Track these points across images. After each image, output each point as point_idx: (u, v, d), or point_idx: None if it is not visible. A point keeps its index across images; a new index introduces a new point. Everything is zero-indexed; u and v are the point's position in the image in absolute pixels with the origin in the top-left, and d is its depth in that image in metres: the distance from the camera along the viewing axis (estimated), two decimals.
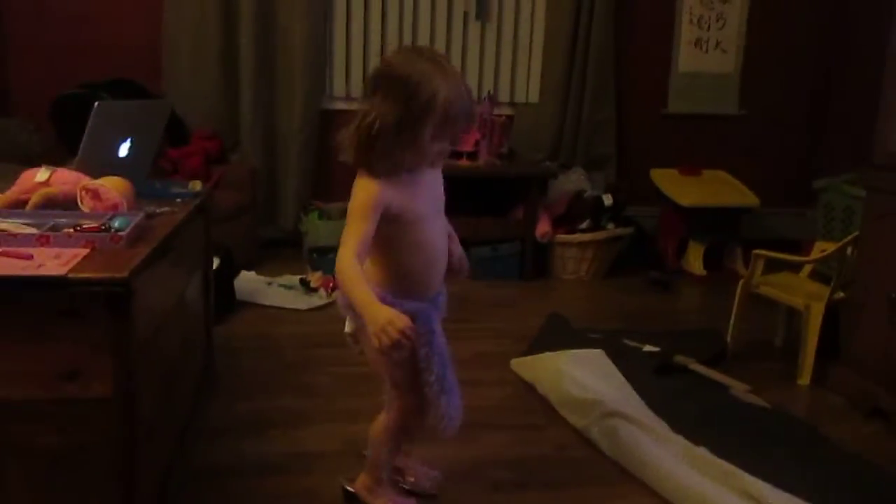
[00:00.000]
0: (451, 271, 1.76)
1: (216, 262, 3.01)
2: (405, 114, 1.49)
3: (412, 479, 1.96)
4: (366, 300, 1.48)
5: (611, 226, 4.12)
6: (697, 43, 4.77)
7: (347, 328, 1.74)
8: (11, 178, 1.89)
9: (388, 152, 1.52)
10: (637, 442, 2.13)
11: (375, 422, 1.83)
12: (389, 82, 1.51)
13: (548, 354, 2.71)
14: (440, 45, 4.41)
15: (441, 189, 1.71)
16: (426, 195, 1.64)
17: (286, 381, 2.59)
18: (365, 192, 1.55)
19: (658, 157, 4.65)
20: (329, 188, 4.37)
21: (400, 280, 1.65)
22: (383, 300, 1.52)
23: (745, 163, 4.75)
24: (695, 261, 4.26)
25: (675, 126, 4.83)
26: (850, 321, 2.69)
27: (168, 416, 1.89)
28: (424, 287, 1.68)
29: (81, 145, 1.93)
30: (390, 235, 1.60)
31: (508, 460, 2.14)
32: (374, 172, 1.55)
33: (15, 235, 1.55)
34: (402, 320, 1.44)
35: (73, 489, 1.50)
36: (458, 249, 1.80)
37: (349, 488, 1.89)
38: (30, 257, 1.46)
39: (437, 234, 1.68)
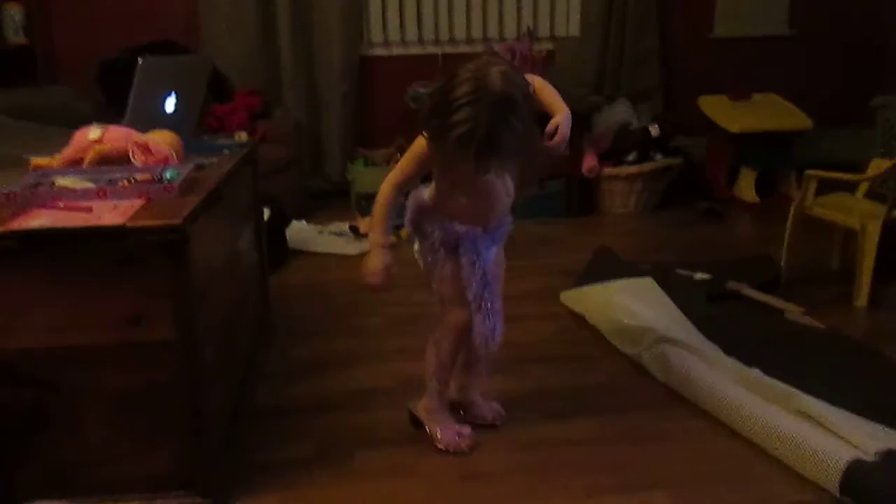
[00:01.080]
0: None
1: (267, 214, 3.08)
2: (437, 121, 1.56)
3: (475, 412, 2.01)
4: (375, 241, 1.76)
5: (659, 157, 4.06)
6: None
7: (416, 246, 1.87)
8: (64, 141, 1.96)
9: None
10: (688, 365, 2.14)
11: (428, 344, 1.91)
12: (443, 83, 1.55)
13: (597, 286, 2.72)
14: None
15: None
16: None
17: (339, 325, 2.67)
18: (421, 142, 1.67)
19: (706, 84, 4.50)
20: (372, 135, 4.39)
21: (456, 209, 1.76)
22: (440, 221, 1.75)
23: (798, 84, 4.57)
24: (747, 188, 4.17)
25: (723, 50, 4.67)
26: None
27: (230, 359, 1.98)
28: (478, 222, 1.78)
29: (129, 102, 1.99)
30: (447, 175, 1.73)
31: (560, 390, 2.18)
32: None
33: (74, 191, 1.62)
34: (380, 277, 1.72)
35: (144, 429, 1.60)
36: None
37: (414, 412, 1.97)
38: (89, 210, 1.53)
39: (493, 185, 1.75)
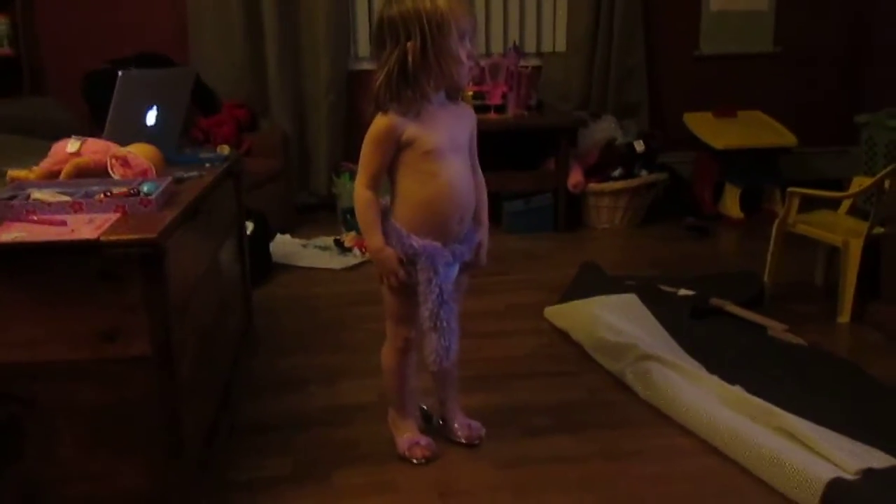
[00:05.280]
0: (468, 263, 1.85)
1: (251, 227, 3.06)
2: (426, 36, 1.61)
3: (451, 429, 2.00)
4: (374, 245, 1.74)
5: (644, 173, 4.07)
6: None
7: None
8: (46, 154, 1.94)
9: (418, 83, 1.65)
10: (670, 382, 2.13)
11: (381, 358, 1.93)
12: (397, 24, 1.64)
13: (581, 301, 2.72)
14: None
15: (463, 131, 1.79)
16: (442, 130, 1.72)
17: (323, 339, 2.65)
18: (376, 126, 1.70)
19: (692, 101, 4.54)
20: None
21: (415, 211, 1.73)
22: (397, 233, 1.72)
23: (783, 102, 4.62)
24: (732, 204, 4.19)
25: (708, 68, 4.71)
26: (890, 256, 2.63)
27: (209, 374, 1.95)
28: (441, 221, 1.74)
29: (109, 115, 1.97)
30: (405, 164, 1.72)
31: (543, 406, 2.16)
32: (394, 109, 1.67)
33: (49, 204, 1.60)
34: (400, 273, 1.72)
35: (120, 445, 1.57)
36: (485, 232, 1.87)
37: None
38: (63, 224, 1.51)
39: (454, 170, 1.74)
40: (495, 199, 1.95)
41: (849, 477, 1.69)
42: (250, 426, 2.09)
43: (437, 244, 1.73)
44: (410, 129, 1.68)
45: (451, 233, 1.76)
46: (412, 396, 1.97)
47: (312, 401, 2.21)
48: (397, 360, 1.89)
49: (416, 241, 1.72)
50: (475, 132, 1.84)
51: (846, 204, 3.02)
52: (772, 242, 2.97)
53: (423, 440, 1.92)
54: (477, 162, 1.85)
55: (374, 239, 1.73)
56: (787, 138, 4.20)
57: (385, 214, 1.76)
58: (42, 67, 4.15)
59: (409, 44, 1.62)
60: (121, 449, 1.57)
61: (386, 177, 1.76)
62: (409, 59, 1.63)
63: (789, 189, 2.93)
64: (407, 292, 1.77)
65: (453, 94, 1.76)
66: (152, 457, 1.58)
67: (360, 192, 1.74)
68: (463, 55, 1.66)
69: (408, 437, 1.92)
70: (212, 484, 1.79)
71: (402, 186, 1.74)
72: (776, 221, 2.97)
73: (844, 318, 2.74)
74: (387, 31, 1.66)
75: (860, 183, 2.95)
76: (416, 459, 1.88)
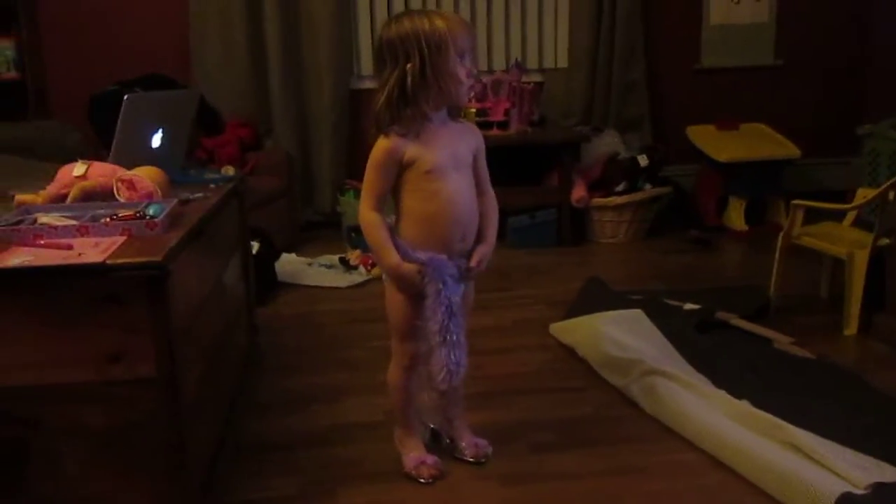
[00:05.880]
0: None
1: (256, 246, 3.08)
2: (424, 56, 1.64)
3: (457, 447, 1.99)
4: (390, 264, 1.73)
5: (647, 187, 4.07)
6: None
7: (384, 275, 1.85)
8: (53, 177, 1.96)
9: (417, 103, 1.67)
10: (677, 397, 2.12)
11: (387, 375, 1.93)
12: (396, 46, 1.67)
13: (587, 317, 2.71)
14: (465, 16, 4.39)
15: (465, 149, 1.80)
16: (443, 149, 1.74)
17: (329, 357, 2.65)
18: (378, 148, 1.72)
19: (694, 114, 4.56)
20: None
21: (418, 229, 1.75)
22: (402, 250, 1.72)
23: (785, 114, 4.62)
24: (736, 217, 4.19)
25: (710, 81, 4.72)
26: (895, 267, 2.62)
27: (214, 394, 1.96)
28: (444, 239, 1.75)
29: (114, 138, 1.99)
30: (408, 183, 1.73)
31: (549, 422, 2.16)
32: (394, 131, 1.70)
33: (55, 227, 1.61)
34: (420, 283, 1.70)
35: (124, 466, 1.57)
36: (486, 250, 1.83)
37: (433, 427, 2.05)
38: (70, 247, 1.52)
39: (455, 188, 1.75)
40: (500, 215, 1.94)
41: (858, 491, 1.68)
42: (255, 446, 2.08)
43: (443, 256, 1.73)
44: (411, 150, 1.70)
45: (454, 250, 1.77)
46: (418, 414, 1.97)
47: (318, 419, 2.21)
48: (403, 377, 1.89)
49: (423, 254, 1.72)
50: (482, 151, 1.84)
51: (850, 215, 3.02)
52: (776, 255, 2.97)
53: (430, 459, 1.91)
54: (488, 181, 1.85)
55: (390, 258, 1.73)
56: (790, 150, 4.20)
57: (389, 223, 1.77)
58: (47, 90, 4.19)
59: (408, 65, 1.65)
60: (125, 470, 1.57)
61: (390, 196, 1.77)
62: (409, 79, 1.65)
63: (793, 202, 2.93)
64: (413, 308, 1.77)
65: (454, 113, 1.78)
66: (157, 478, 1.58)
67: (365, 215, 1.75)
68: (462, 74, 1.68)
69: (414, 455, 1.91)
70: None
71: (405, 205, 1.76)
72: (780, 234, 2.97)
73: (850, 330, 2.74)
74: (386, 53, 1.69)
75: (864, 194, 2.94)
76: (423, 479, 1.87)
